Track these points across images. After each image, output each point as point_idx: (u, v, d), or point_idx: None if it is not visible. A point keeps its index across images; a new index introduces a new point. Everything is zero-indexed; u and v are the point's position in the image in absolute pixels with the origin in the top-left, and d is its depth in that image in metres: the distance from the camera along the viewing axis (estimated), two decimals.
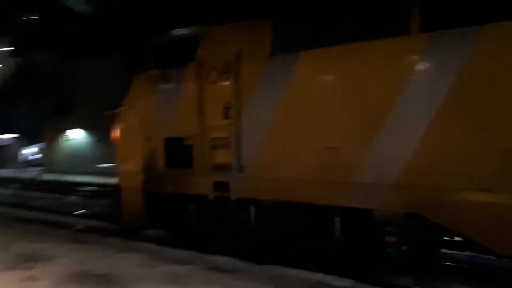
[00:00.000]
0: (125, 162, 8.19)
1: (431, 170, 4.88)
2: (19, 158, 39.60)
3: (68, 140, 26.96)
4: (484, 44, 4.58)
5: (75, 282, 4.99)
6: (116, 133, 8.38)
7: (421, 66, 5.04)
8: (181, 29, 7.50)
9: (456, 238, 5.28)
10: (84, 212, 12.09)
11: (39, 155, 44.91)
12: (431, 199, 4.89)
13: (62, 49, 20.49)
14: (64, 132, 27.30)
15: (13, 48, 27.98)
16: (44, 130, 34.93)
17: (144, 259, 6.08)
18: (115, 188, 8.34)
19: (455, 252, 6.63)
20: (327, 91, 5.76)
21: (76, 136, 25.92)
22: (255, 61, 6.37)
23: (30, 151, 45.38)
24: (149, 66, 7.75)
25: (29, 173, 25.49)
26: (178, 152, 7.26)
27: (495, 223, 4.53)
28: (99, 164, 19.99)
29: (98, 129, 20.07)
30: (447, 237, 5.35)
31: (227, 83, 6.63)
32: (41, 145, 35.70)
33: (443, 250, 5.86)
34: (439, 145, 4.83)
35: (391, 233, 5.36)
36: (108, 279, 5.10)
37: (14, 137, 39.17)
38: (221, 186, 6.74)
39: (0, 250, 6.49)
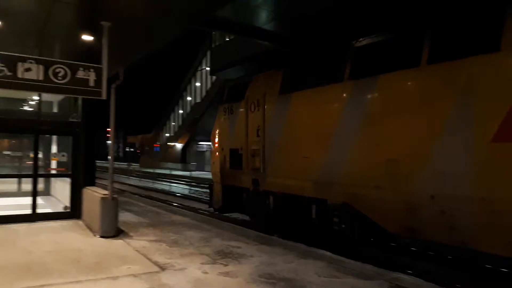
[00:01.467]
0: (214, 165, 12.13)
1: (352, 173, 7.32)
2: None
3: None
4: (374, 91, 7.05)
5: (264, 283, 5.39)
6: (212, 145, 12.52)
7: (347, 104, 7.59)
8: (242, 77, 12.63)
9: None
10: None
11: None
12: (352, 193, 7.36)
13: (252, 65, 22.62)
14: None
15: (209, 68, 32.36)
16: None
17: (325, 268, 6.18)
18: (210, 183, 12.54)
19: None
20: (301, 119, 8.64)
21: None
22: (272, 98, 9.51)
23: None
24: (225, 100, 11.62)
25: None
26: (235, 158, 10.64)
27: (385, 210, 6.78)
28: None
29: None
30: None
31: (259, 113, 9.85)
32: None
33: None
34: (355, 156, 7.27)
35: (336, 215, 7.85)
36: (293, 285, 5.35)
37: (210, 144, 45.54)
38: (255, 182, 9.94)
39: (203, 245, 7.57)
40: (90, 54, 8.18)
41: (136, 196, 18.10)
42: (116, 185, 20.60)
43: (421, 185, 6.17)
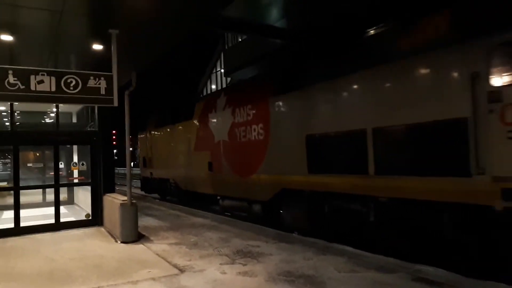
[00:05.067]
0: (140, 165, 21.58)
1: (173, 166, 16.13)
2: None
3: None
4: (174, 130, 16.34)
5: (283, 281, 5.34)
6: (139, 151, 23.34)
7: (170, 136, 16.83)
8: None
9: None
10: None
11: None
12: (174, 175, 16.28)
13: (264, 64, 22.51)
14: None
15: (223, 69, 32.34)
16: None
17: (345, 263, 6.09)
18: (141, 177, 21.30)
19: None
20: (161, 142, 17.96)
21: None
22: (153, 130, 18.98)
23: None
24: (141, 130, 21.01)
25: None
26: (144, 161, 20.12)
27: (182, 181, 15.54)
28: None
29: None
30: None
31: (150, 137, 19.31)
32: None
33: None
34: (172, 159, 16.22)
35: (171, 186, 16.84)
36: (312, 281, 5.28)
37: None
38: (151, 173, 19.12)
39: (223, 245, 7.57)
40: (102, 63, 8.28)
41: (157, 200, 18.26)
42: (137, 191, 20.88)
43: (183, 170, 14.98)
